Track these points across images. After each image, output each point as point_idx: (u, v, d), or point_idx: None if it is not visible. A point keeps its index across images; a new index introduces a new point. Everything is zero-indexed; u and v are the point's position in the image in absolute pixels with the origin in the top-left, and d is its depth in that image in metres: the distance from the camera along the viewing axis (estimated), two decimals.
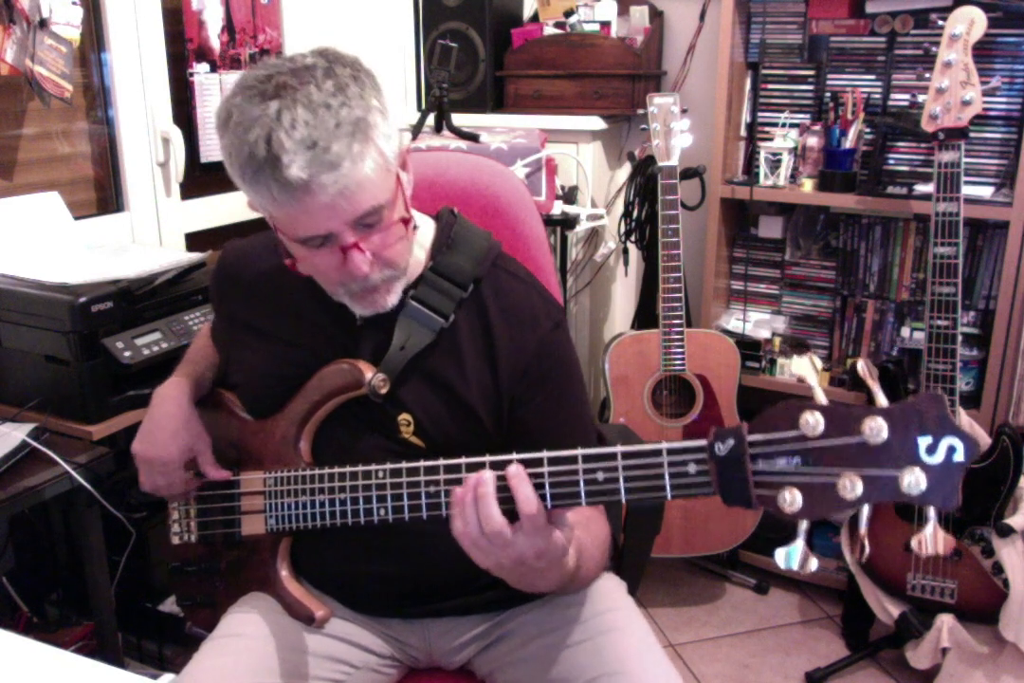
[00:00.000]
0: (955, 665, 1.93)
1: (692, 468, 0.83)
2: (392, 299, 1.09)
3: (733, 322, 2.43)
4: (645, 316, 2.47)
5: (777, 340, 2.38)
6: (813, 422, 0.76)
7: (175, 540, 1.27)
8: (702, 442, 0.83)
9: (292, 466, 1.14)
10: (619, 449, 0.87)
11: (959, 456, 0.72)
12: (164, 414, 1.21)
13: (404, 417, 1.12)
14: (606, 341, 2.47)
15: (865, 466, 0.75)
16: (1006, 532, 1.84)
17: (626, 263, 2.60)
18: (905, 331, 2.24)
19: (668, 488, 0.85)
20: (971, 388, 2.13)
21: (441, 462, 0.98)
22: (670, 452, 0.84)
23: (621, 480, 0.86)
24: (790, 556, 0.82)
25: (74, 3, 1.83)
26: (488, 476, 0.89)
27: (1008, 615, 1.84)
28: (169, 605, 1.98)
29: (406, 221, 1.06)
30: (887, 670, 2.15)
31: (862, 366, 0.84)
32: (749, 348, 2.34)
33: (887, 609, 2.02)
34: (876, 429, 0.73)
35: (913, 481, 0.72)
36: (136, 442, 1.22)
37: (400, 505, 1.01)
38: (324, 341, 1.16)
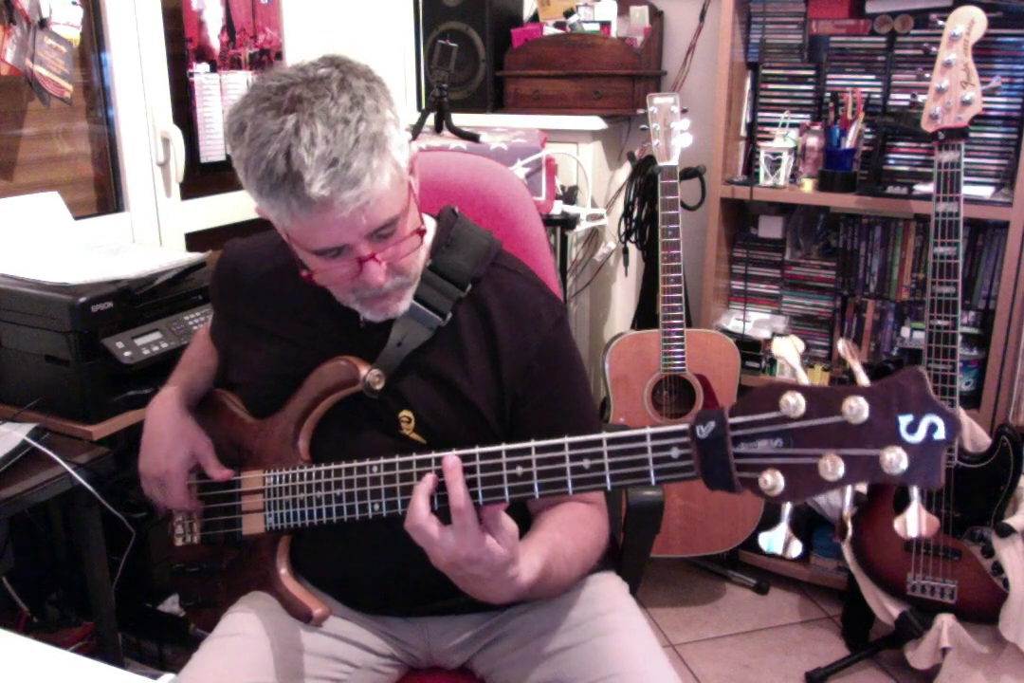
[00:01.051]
0: (955, 665, 1.93)
1: (675, 452, 0.83)
2: (403, 306, 1.10)
3: (733, 322, 2.43)
4: (645, 316, 2.47)
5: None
6: (794, 403, 0.75)
7: (178, 541, 1.27)
8: (684, 426, 0.83)
9: (291, 465, 1.14)
10: (604, 436, 0.87)
11: (940, 434, 0.71)
12: (157, 432, 1.23)
13: (405, 414, 1.13)
14: (606, 341, 2.47)
15: (846, 446, 0.74)
16: (1006, 532, 1.84)
17: (626, 263, 2.60)
18: (905, 331, 2.25)
19: (652, 473, 0.85)
20: (971, 388, 2.13)
21: (432, 455, 0.98)
22: (654, 437, 0.85)
23: (607, 466, 0.87)
24: (772, 540, 0.82)
25: (74, 3, 1.83)
26: (429, 476, 0.93)
27: (1008, 615, 1.84)
28: (169, 605, 1.98)
29: (421, 232, 1.07)
30: (887, 670, 2.15)
31: (843, 345, 0.84)
32: (749, 348, 2.34)
33: (887, 609, 2.02)
34: (857, 408, 0.73)
35: (895, 460, 0.71)
36: (139, 461, 1.24)
37: (394, 500, 1.02)
38: (325, 340, 1.16)
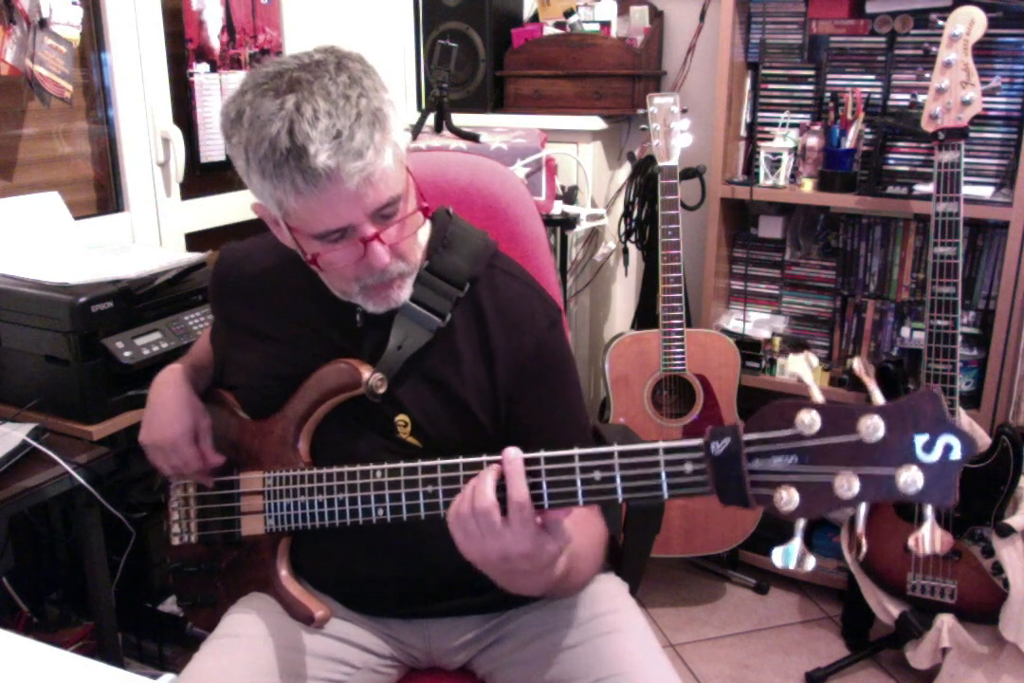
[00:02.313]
0: (955, 665, 1.93)
1: (688, 467, 0.83)
2: (404, 294, 1.09)
3: (733, 322, 2.43)
4: (645, 316, 2.47)
5: (777, 340, 2.38)
6: (809, 420, 0.76)
7: (175, 541, 1.27)
8: (698, 441, 0.83)
9: (291, 466, 1.14)
10: (616, 448, 0.87)
11: (956, 454, 0.72)
12: (163, 398, 1.22)
13: (401, 418, 1.12)
14: (606, 341, 2.47)
15: (862, 465, 0.74)
16: (1006, 532, 1.84)
17: (626, 263, 2.60)
18: (905, 331, 2.25)
19: (665, 488, 0.84)
20: (971, 388, 2.13)
21: (439, 462, 0.98)
22: (667, 451, 0.84)
23: (618, 480, 0.86)
24: (787, 555, 0.82)
25: (74, 3, 1.83)
26: (495, 465, 0.90)
27: (1008, 615, 1.84)
28: (169, 605, 1.98)
29: (424, 210, 1.07)
30: (887, 670, 2.15)
31: (858, 364, 0.84)
32: (749, 348, 2.34)
33: (887, 609, 2.02)
34: (872, 427, 0.73)
35: (910, 479, 0.72)
36: (141, 432, 1.23)
37: (398, 505, 1.01)
38: (322, 342, 1.16)
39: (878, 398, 0.76)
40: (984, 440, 1.89)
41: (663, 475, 0.84)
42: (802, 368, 0.85)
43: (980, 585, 1.91)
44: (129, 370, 1.61)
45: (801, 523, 0.80)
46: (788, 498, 0.77)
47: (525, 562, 0.90)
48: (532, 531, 0.88)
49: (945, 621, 1.93)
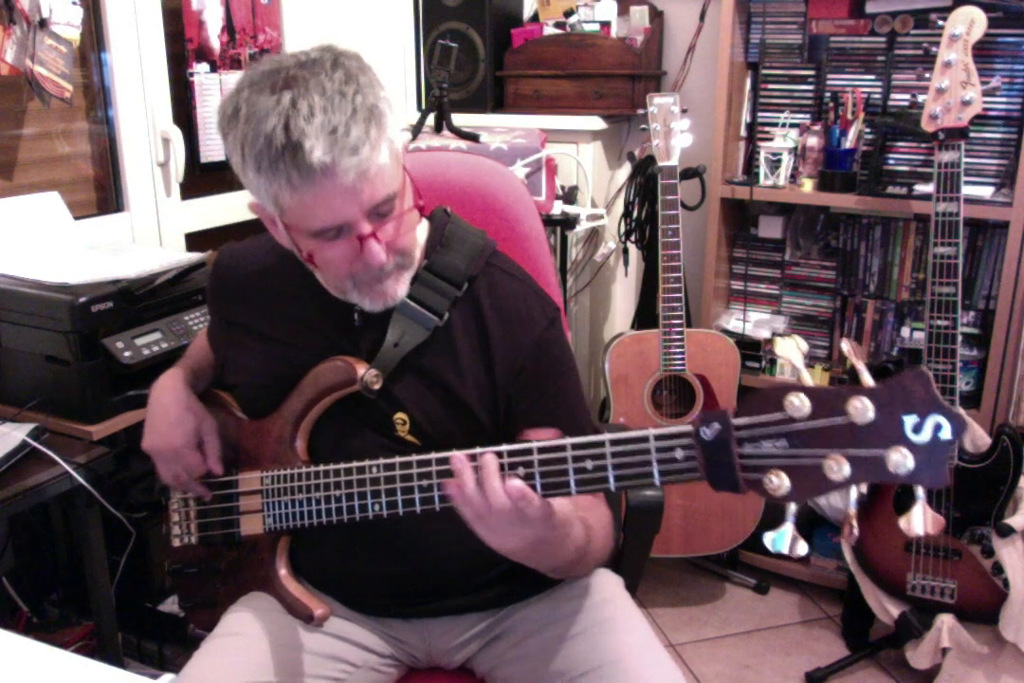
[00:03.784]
0: (955, 665, 1.93)
1: (679, 453, 0.84)
2: (401, 290, 1.09)
3: (733, 322, 2.43)
4: (645, 316, 2.47)
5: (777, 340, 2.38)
6: (798, 404, 0.75)
7: (176, 542, 1.27)
8: (688, 427, 0.83)
9: (289, 465, 1.14)
10: (607, 437, 0.87)
11: (946, 434, 0.71)
12: (163, 404, 1.21)
13: (400, 416, 1.12)
14: (606, 341, 2.47)
15: (851, 447, 0.74)
16: (1006, 532, 1.84)
17: (626, 263, 2.60)
18: (905, 331, 2.25)
19: (656, 474, 0.85)
20: (971, 388, 2.13)
21: (433, 455, 0.98)
22: (657, 438, 0.85)
23: (610, 467, 0.87)
24: (778, 540, 0.82)
25: (74, 3, 1.83)
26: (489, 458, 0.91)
27: (1008, 615, 1.84)
28: (169, 605, 1.98)
29: (420, 207, 1.06)
30: (887, 670, 2.15)
31: (847, 345, 0.83)
32: (749, 348, 2.34)
33: (887, 609, 2.02)
34: (862, 409, 0.73)
35: (900, 460, 0.72)
36: (144, 439, 1.22)
37: (394, 500, 1.02)
38: (320, 341, 1.16)
39: (867, 379, 0.76)
40: (984, 440, 1.90)
41: (654, 462, 0.85)
42: (791, 351, 0.85)
43: (980, 585, 1.91)
44: (129, 370, 1.61)
45: (792, 508, 0.80)
46: (779, 482, 0.77)
47: (554, 531, 0.92)
48: (547, 509, 0.90)
49: (945, 621, 1.93)
